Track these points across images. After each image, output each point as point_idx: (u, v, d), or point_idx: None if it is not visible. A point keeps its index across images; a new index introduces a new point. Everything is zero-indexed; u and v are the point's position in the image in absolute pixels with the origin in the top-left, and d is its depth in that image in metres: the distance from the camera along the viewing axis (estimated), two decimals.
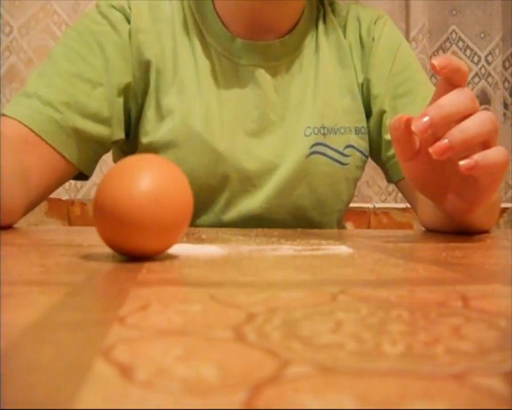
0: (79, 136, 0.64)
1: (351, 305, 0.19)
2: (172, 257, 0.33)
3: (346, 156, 0.74)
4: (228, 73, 0.71)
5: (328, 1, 0.80)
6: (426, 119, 0.42)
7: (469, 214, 0.50)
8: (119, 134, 0.69)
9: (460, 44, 1.58)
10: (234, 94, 0.70)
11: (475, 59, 1.58)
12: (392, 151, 0.75)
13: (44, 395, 0.11)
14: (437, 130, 0.42)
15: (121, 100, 0.68)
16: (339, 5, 0.80)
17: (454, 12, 1.58)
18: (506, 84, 1.60)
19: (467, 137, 0.42)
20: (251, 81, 0.71)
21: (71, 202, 1.34)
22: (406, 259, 0.34)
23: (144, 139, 0.69)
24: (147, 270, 0.28)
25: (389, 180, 0.79)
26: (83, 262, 0.30)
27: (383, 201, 1.49)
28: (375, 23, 0.78)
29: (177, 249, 0.35)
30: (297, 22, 0.74)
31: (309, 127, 0.72)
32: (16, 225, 0.58)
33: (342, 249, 0.39)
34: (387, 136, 0.74)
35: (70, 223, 1.33)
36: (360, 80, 0.76)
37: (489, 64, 1.57)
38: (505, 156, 0.44)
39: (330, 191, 0.73)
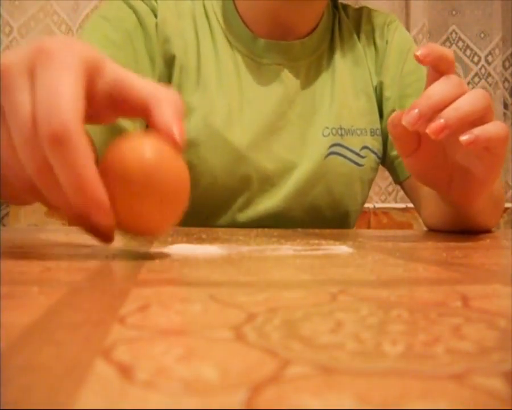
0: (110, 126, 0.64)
1: (351, 305, 0.19)
2: (172, 257, 0.33)
3: (362, 157, 0.74)
4: (251, 72, 0.71)
5: (341, 5, 0.81)
6: (415, 111, 0.42)
7: (476, 199, 0.51)
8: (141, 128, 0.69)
9: (460, 44, 1.59)
10: (256, 93, 0.71)
11: (475, 59, 1.58)
12: (396, 151, 0.75)
13: (44, 395, 0.11)
14: (428, 120, 0.42)
15: None
16: (352, 9, 0.82)
17: (454, 12, 1.58)
18: (506, 84, 1.60)
19: (461, 114, 0.42)
20: (273, 79, 0.71)
21: None
22: (406, 259, 0.34)
23: None
24: (147, 270, 0.28)
25: (396, 180, 0.80)
26: (83, 262, 0.30)
27: (383, 201, 1.49)
28: (387, 26, 0.79)
29: (177, 249, 0.35)
30: (317, 25, 0.75)
31: (327, 128, 0.73)
32: (17, 225, 0.58)
33: (342, 249, 0.39)
34: None
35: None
36: (375, 83, 0.77)
37: (489, 64, 1.57)
38: (504, 130, 0.44)
39: (346, 191, 0.74)
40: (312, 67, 0.74)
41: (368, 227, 1.44)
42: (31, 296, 0.21)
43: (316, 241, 0.44)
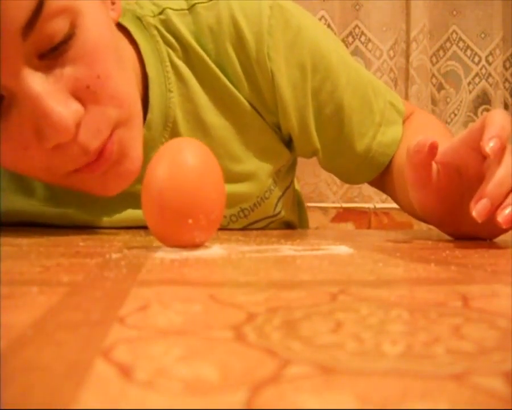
0: None
1: (351, 305, 0.19)
2: (172, 257, 0.33)
3: (278, 213, 0.65)
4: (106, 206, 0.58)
5: (178, 19, 0.55)
6: (486, 201, 0.39)
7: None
8: None
9: (460, 44, 1.58)
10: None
11: (476, 59, 1.58)
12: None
13: (44, 395, 0.11)
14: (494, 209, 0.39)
15: None
16: (200, 16, 0.55)
17: (454, 13, 1.58)
18: (507, 84, 1.60)
19: (506, 190, 0.40)
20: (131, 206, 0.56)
21: None
22: (406, 259, 0.34)
23: None
24: (147, 270, 0.28)
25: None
26: (83, 262, 0.30)
27: (383, 201, 1.49)
28: (268, 27, 0.55)
29: (177, 248, 0.35)
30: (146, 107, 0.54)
31: (225, 217, 0.59)
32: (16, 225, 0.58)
33: (342, 249, 0.39)
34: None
35: None
36: (272, 122, 0.60)
37: (490, 64, 1.57)
38: None
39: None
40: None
41: (369, 227, 1.44)
42: (30, 296, 0.21)
43: (316, 241, 0.44)
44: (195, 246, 0.36)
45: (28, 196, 0.57)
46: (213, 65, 0.56)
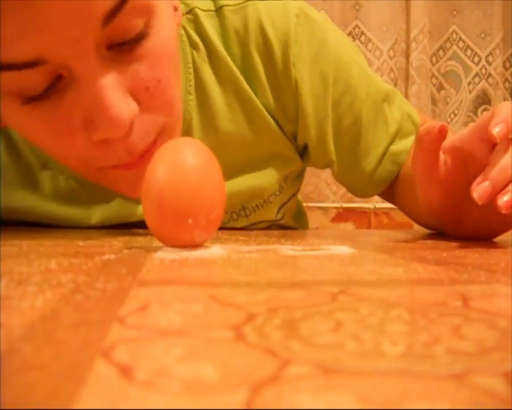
0: None
1: (351, 305, 0.19)
2: (172, 257, 0.33)
3: (280, 219, 0.65)
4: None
5: (205, 19, 0.56)
6: (487, 184, 0.39)
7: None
8: None
9: (460, 44, 1.59)
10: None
11: (476, 59, 1.58)
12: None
13: (44, 395, 0.11)
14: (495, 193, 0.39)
15: None
16: (227, 18, 0.56)
17: (454, 13, 1.58)
18: (507, 84, 1.60)
19: (508, 178, 0.40)
20: None
21: None
22: (406, 259, 0.34)
23: None
24: (147, 270, 0.28)
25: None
26: (83, 262, 0.30)
27: (383, 201, 1.49)
28: (294, 35, 0.56)
29: (177, 248, 0.35)
30: None
31: (226, 213, 0.60)
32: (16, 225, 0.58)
33: (342, 249, 0.39)
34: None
35: None
36: (289, 131, 0.60)
37: (489, 64, 1.57)
38: None
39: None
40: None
41: (369, 227, 1.44)
42: (30, 296, 0.21)
43: (316, 241, 0.44)
44: (195, 246, 0.36)
45: (32, 191, 0.57)
46: (236, 70, 0.56)
